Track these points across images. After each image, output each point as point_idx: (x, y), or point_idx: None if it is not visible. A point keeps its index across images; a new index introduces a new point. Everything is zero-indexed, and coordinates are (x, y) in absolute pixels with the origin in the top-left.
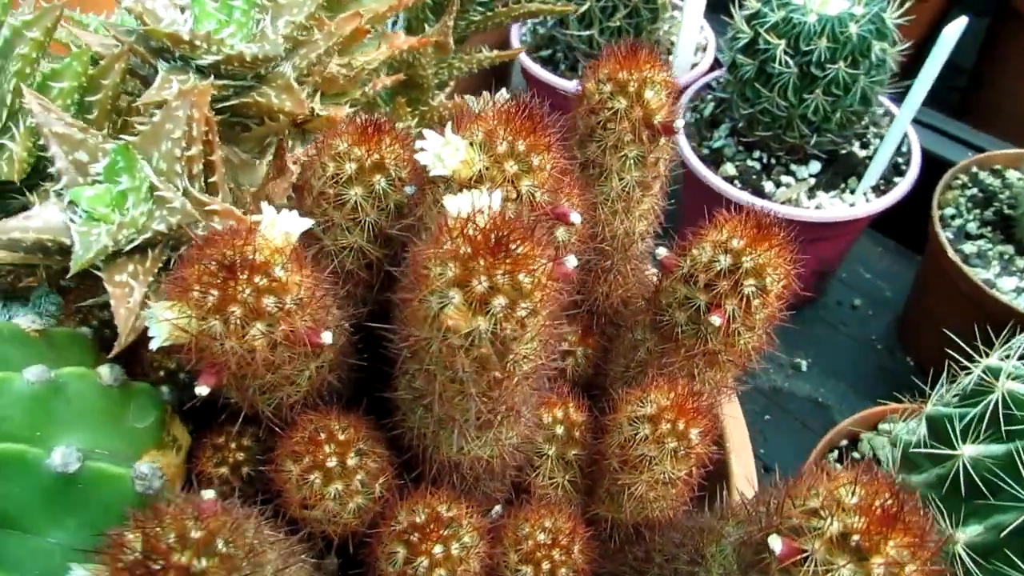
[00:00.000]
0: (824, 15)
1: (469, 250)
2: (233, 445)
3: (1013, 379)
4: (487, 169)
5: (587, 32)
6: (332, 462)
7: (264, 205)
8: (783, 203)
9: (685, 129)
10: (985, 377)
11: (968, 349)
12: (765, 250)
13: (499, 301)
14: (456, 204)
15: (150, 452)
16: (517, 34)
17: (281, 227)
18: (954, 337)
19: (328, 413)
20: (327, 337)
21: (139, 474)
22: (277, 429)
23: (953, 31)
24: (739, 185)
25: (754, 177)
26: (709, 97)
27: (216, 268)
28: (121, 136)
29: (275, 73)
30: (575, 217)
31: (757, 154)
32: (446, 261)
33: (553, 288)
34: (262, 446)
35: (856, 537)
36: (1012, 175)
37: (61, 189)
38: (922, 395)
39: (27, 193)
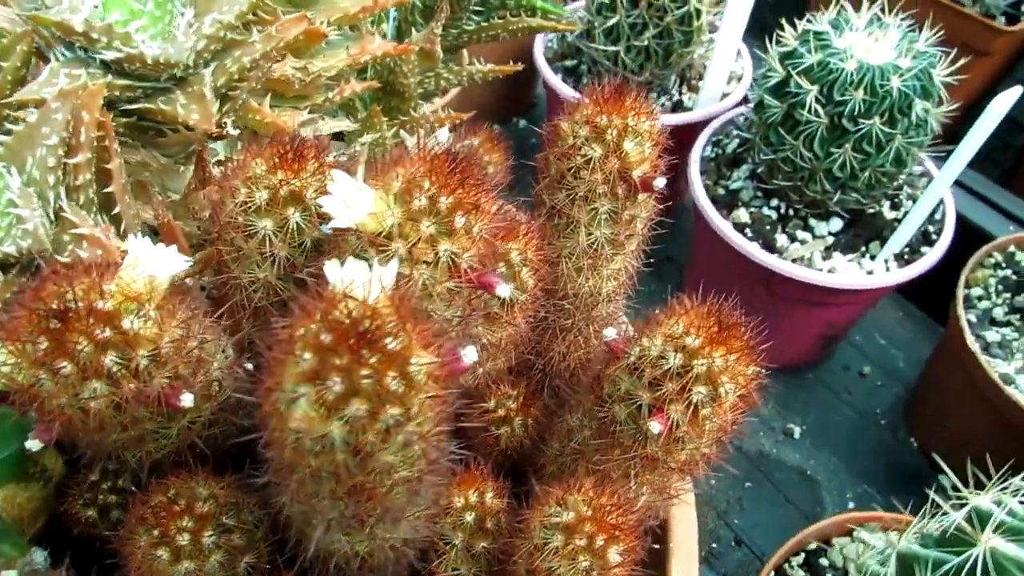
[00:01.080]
0: (865, 63)
1: (330, 339)
2: (107, 485)
3: (1000, 532)
4: (399, 226)
5: (613, 48)
6: (184, 539)
7: (131, 239)
8: (794, 260)
9: (702, 165)
10: (970, 525)
11: (982, 462)
12: (723, 355)
13: (357, 407)
14: (337, 274)
15: (8, 487)
16: (542, 41)
17: (146, 268)
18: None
19: (194, 475)
20: (187, 400)
21: None
22: (133, 488)
23: (1003, 103)
24: (750, 235)
25: (768, 227)
26: (734, 133)
27: (50, 312)
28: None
29: (192, 78)
30: (503, 290)
31: (775, 202)
32: (304, 348)
33: (440, 390)
34: (138, 485)
35: None
36: None
37: None
38: (918, 485)
39: None
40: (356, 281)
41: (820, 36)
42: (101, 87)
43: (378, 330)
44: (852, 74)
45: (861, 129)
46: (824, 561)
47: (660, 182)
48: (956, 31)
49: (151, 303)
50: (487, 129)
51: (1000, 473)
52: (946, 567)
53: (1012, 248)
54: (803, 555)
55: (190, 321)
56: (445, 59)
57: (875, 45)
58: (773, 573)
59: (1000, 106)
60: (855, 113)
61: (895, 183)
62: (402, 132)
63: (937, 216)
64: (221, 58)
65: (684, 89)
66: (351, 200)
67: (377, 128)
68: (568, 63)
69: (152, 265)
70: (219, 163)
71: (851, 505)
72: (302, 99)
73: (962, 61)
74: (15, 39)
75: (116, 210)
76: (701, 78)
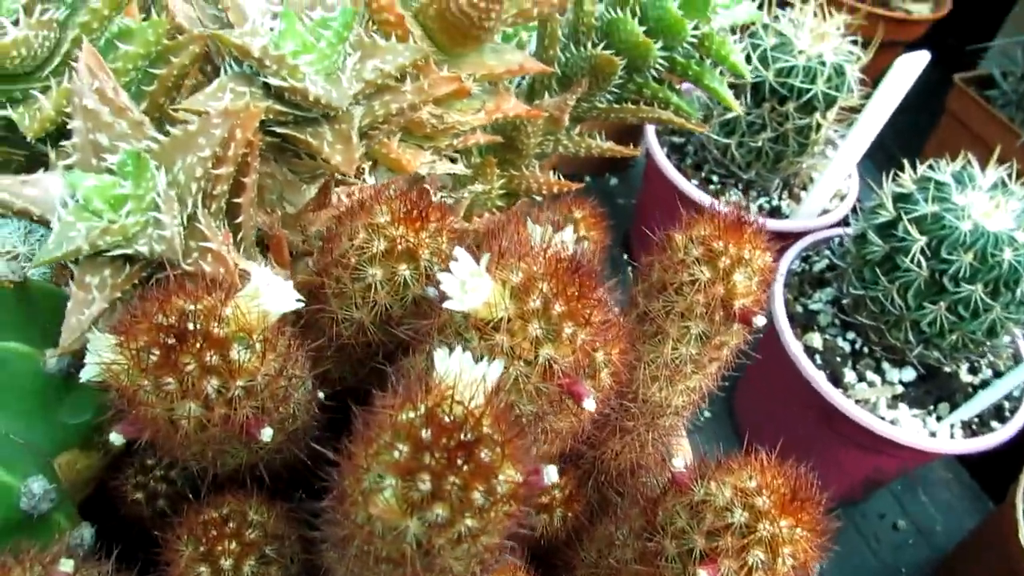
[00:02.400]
0: (981, 227)
1: (429, 435)
2: (159, 473)
3: None
4: (509, 321)
5: (726, 140)
6: (227, 563)
7: (255, 269)
8: (858, 401)
9: (786, 278)
10: None
11: None
12: (791, 525)
13: (439, 512)
14: (446, 365)
15: (71, 451)
16: None
17: (264, 302)
18: None
19: (248, 498)
20: (266, 435)
21: (28, 491)
22: (188, 493)
23: None
24: (819, 362)
25: (838, 360)
26: (826, 253)
27: (168, 325)
28: (154, 132)
29: (343, 115)
30: (589, 404)
31: (851, 336)
32: (399, 436)
33: (517, 508)
34: (187, 485)
35: None
36: None
37: (70, 165)
38: None
39: (47, 144)
40: (463, 375)
41: (940, 187)
42: (261, 111)
43: (477, 440)
44: (966, 235)
45: (961, 292)
46: None
47: (760, 320)
48: None
49: (258, 335)
50: (591, 206)
51: None
52: None
53: None
54: None
55: (285, 357)
56: (567, 126)
57: (995, 210)
58: None
59: None
60: (959, 275)
61: (980, 351)
62: (530, 224)
63: (1015, 393)
64: (371, 100)
65: (785, 195)
66: (469, 284)
67: (488, 179)
68: (676, 139)
69: (270, 300)
70: (338, 182)
71: None
72: (428, 140)
73: None
74: (189, 39)
75: (239, 219)
76: (804, 188)
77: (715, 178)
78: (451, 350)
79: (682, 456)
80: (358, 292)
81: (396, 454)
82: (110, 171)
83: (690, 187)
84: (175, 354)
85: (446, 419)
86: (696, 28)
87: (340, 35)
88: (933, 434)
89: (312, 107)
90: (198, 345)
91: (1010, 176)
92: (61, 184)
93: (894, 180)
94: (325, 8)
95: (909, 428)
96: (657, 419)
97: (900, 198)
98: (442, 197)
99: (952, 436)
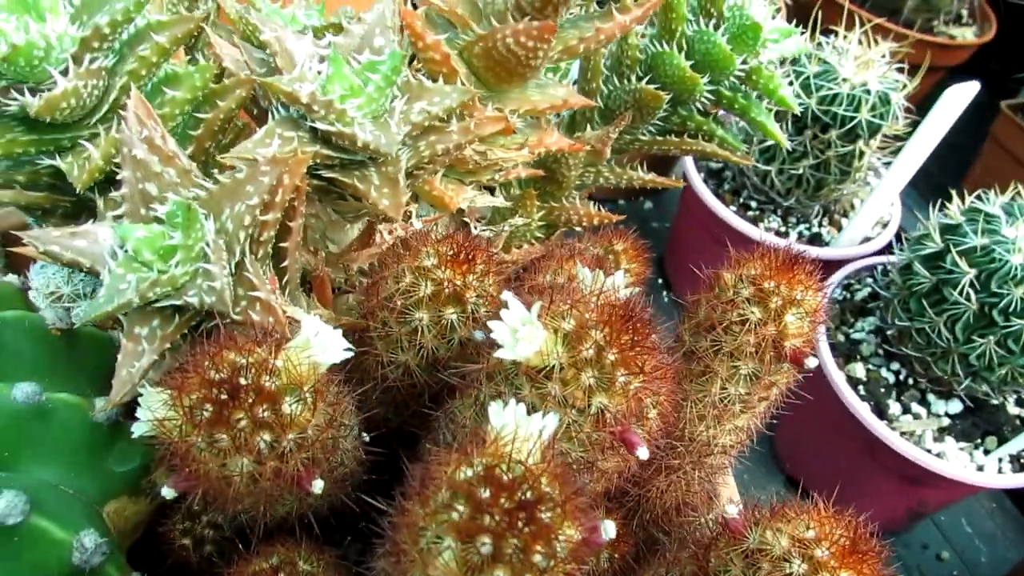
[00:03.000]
0: None
1: (488, 496)
2: (206, 519)
3: None
4: (562, 369)
5: (766, 167)
6: None
7: (305, 318)
8: (903, 433)
9: (827, 307)
10: None
11: None
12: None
13: (498, 575)
14: (502, 419)
15: (120, 498)
16: None
17: (314, 353)
18: None
19: (297, 546)
20: (317, 487)
21: (80, 545)
22: (240, 546)
23: None
24: (863, 393)
25: (882, 390)
26: (868, 280)
27: (221, 381)
28: (201, 179)
29: (390, 159)
30: (643, 453)
31: (895, 366)
32: (458, 496)
33: (577, 566)
34: (234, 531)
35: None
36: None
37: (120, 216)
38: None
39: (95, 192)
40: (519, 430)
41: (989, 219)
42: (309, 157)
43: (537, 500)
44: (1017, 268)
45: (1011, 327)
46: None
47: (812, 362)
48: None
49: (309, 387)
50: (632, 238)
51: None
52: None
53: None
54: None
55: (335, 407)
56: (608, 158)
57: None
58: None
59: None
60: (1010, 309)
61: None
62: (580, 267)
63: None
64: (417, 141)
65: (825, 222)
66: (521, 332)
67: (528, 212)
68: (713, 165)
69: (320, 351)
70: (382, 220)
71: None
72: (470, 175)
73: None
74: (236, 83)
75: (284, 263)
76: (845, 214)
77: (753, 204)
78: (504, 402)
79: (734, 502)
80: (404, 335)
81: (455, 515)
82: (158, 220)
83: (728, 213)
84: (228, 410)
85: (505, 478)
86: (744, 62)
87: (388, 79)
88: (980, 468)
89: (360, 151)
90: (250, 400)
91: None
92: (110, 235)
93: (941, 210)
94: (373, 51)
95: (955, 461)
96: (704, 458)
97: (948, 229)
98: (481, 230)
99: (1000, 470)
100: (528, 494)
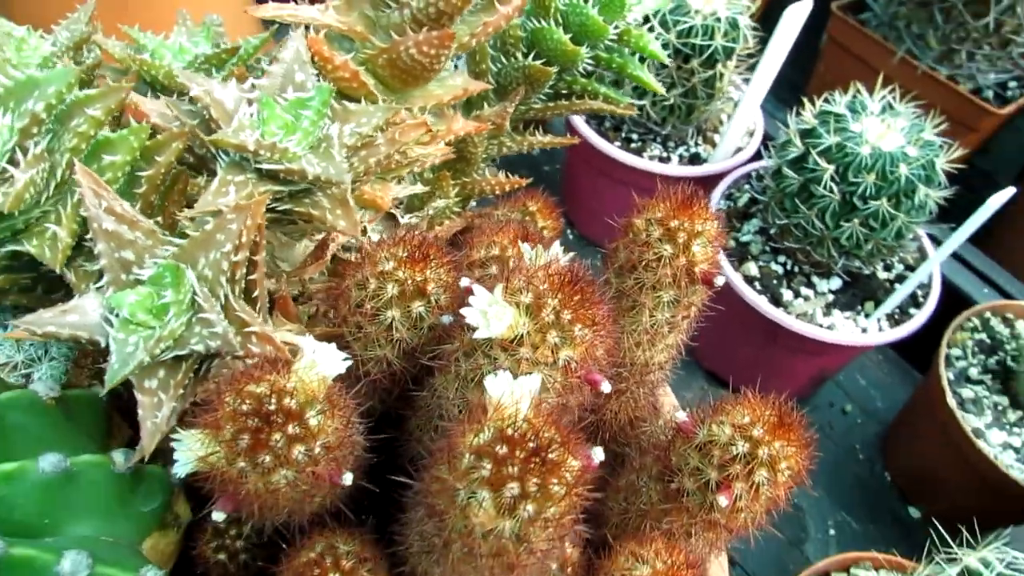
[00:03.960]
0: (878, 150)
1: (505, 451)
2: (233, 532)
3: None
4: (529, 335)
5: (640, 102)
6: None
7: (303, 341)
8: (798, 316)
9: (723, 231)
10: None
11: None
12: (783, 444)
13: (528, 508)
14: (498, 388)
15: (152, 535)
16: None
17: (320, 369)
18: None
19: (332, 533)
20: (347, 479)
21: None
22: (282, 544)
23: (1000, 199)
24: (758, 288)
25: (775, 282)
26: (746, 187)
27: (251, 411)
28: (168, 235)
29: (337, 183)
30: (605, 387)
31: (782, 259)
32: (482, 457)
33: (583, 488)
34: (260, 537)
35: None
36: (1022, 326)
37: (102, 287)
38: (891, 515)
39: (64, 269)
40: (513, 393)
41: (838, 119)
42: (266, 197)
43: (546, 444)
44: (866, 159)
45: (869, 208)
46: None
47: (720, 280)
48: (949, 107)
49: (323, 398)
50: (543, 198)
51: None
52: None
53: (988, 315)
54: None
55: (345, 411)
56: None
57: (887, 131)
58: None
59: (997, 201)
60: (866, 194)
61: (892, 252)
62: (521, 244)
63: (925, 280)
64: (351, 159)
65: (700, 141)
66: (491, 313)
67: (446, 193)
68: None
69: (324, 365)
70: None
71: (832, 532)
72: (392, 173)
73: (956, 149)
74: (171, 137)
75: (255, 293)
76: (716, 130)
77: (635, 136)
78: (496, 375)
79: (680, 408)
80: (379, 333)
81: (484, 472)
82: (140, 282)
83: (614, 149)
84: (264, 434)
85: (515, 434)
86: (615, 27)
87: (320, 112)
88: (865, 330)
89: (311, 183)
90: (280, 420)
91: (894, 98)
92: (97, 305)
93: (797, 116)
94: (296, 87)
95: (844, 330)
96: (645, 377)
97: (805, 133)
98: (408, 218)
99: (880, 329)
100: (536, 442)
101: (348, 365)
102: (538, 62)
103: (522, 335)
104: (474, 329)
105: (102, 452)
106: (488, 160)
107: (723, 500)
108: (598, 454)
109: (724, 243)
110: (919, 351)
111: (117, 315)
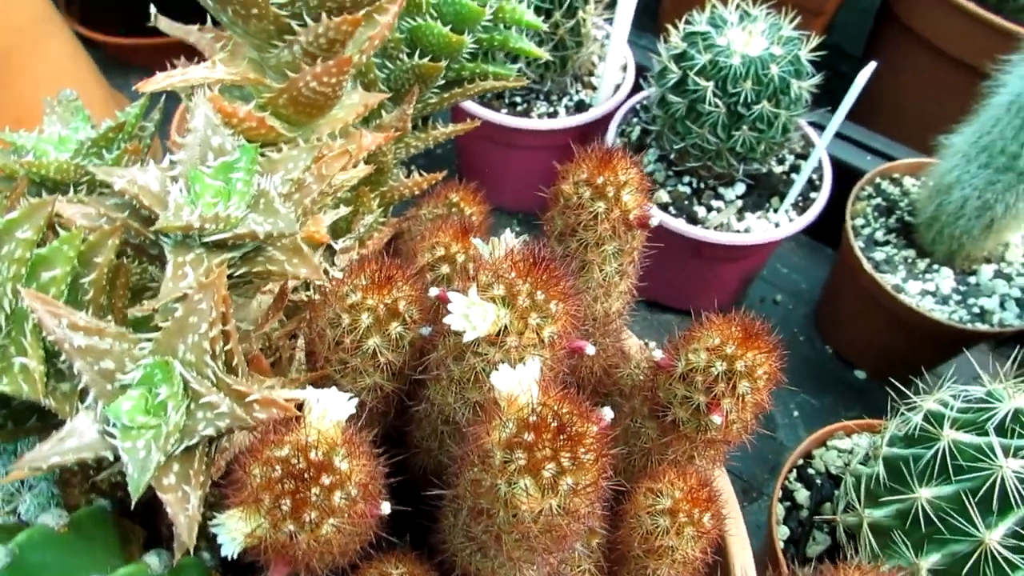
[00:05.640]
0: (747, 57)
1: (532, 437)
2: None
3: (956, 428)
4: (512, 324)
5: (515, 65)
6: None
7: (302, 393)
8: (716, 228)
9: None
10: (930, 425)
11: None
12: (755, 353)
13: (568, 481)
14: (505, 383)
15: None
16: None
17: (331, 416)
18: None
19: (383, 559)
20: (386, 507)
21: None
22: None
23: (865, 75)
24: (673, 212)
25: (686, 203)
26: (635, 121)
27: (283, 475)
28: (136, 334)
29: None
30: (590, 349)
31: (687, 179)
32: (514, 449)
33: (606, 451)
34: None
35: None
36: (908, 183)
37: (91, 404)
38: (840, 383)
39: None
40: (520, 382)
41: (704, 37)
42: (224, 269)
43: (567, 422)
44: (739, 68)
45: (753, 112)
46: (811, 471)
47: (654, 221)
48: None
49: (343, 442)
50: (463, 187)
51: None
52: (923, 460)
53: (878, 180)
54: (795, 471)
55: (365, 444)
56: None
57: (750, 38)
58: (780, 491)
59: (863, 76)
60: (747, 101)
61: (783, 147)
62: (473, 240)
63: (816, 165)
64: (286, 203)
65: (579, 87)
66: (472, 315)
67: (369, 208)
68: None
69: (334, 411)
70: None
71: (796, 414)
72: (317, 204)
73: (812, 40)
74: (104, 234)
75: (234, 362)
76: (591, 74)
77: (519, 99)
78: (497, 371)
79: (652, 347)
80: (365, 363)
81: (520, 462)
82: (124, 387)
83: (503, 117)
84: (303, 492)
85: (536, 419)
86: (490, 7)
87: (250, 171)
88: (777, 225)
89: (262, 242)
90: (312, 475)
91: (748, 3)
92: (89, 422)
93: (666, 43)
94: (216, 152)
95: (760, 230)
96: (607, 327)
97: (678, 58)
98: (342, 242)
99: (791, 220)
100: (556, 421)
101: (355, 403)
102: (424, 59)
103: (505, 326)
104: (461, 334)
105: (129, 561)
106: (398, 163)
107: (716, 418)
108: (608, 413)
109: (649, 185)
110: (827, 229)
111: (115, 425)
